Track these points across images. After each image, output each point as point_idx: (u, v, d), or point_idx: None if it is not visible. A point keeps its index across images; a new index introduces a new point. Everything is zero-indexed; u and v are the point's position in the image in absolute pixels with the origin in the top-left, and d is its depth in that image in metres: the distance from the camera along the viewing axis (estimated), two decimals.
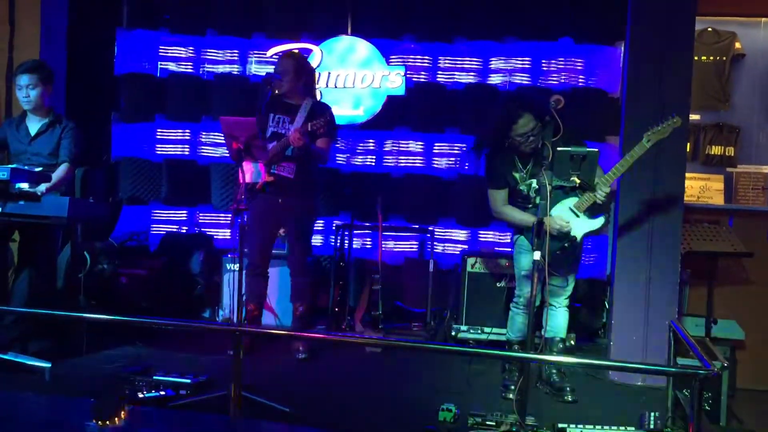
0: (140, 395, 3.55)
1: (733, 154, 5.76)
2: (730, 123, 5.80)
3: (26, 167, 4.04)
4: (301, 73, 4.59)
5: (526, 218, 3.87)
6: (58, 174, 4.29)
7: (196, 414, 3.42)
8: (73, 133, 4.41)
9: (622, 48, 5.43)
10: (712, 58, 5.78)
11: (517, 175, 3.90)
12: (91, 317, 4.16)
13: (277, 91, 4.54)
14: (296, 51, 5.00)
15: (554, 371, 4.03)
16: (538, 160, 3.78)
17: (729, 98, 5.79)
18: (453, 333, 5.06)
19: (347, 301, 5.39)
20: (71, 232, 4.50)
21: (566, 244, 3.82)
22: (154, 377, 3.75)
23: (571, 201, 3.81)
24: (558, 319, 4.03)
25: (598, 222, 3.85)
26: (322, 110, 4.55)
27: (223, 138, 3.91)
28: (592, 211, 3.83)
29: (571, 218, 3.83)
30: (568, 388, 3.91)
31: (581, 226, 3.84)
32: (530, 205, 3.88)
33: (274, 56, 6.10)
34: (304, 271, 4.68)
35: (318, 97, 4.75)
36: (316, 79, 4.98)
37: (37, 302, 4.13)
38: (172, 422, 3.33)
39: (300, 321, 4.73)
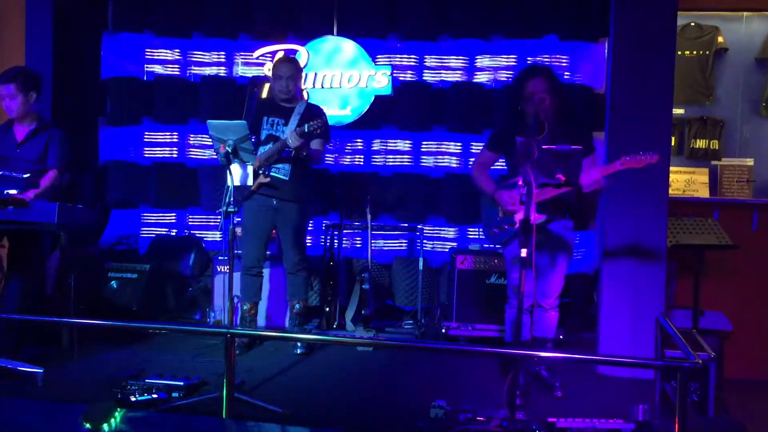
0: (132, 399, 3.56)
1: (717, 148, 5.81)
2: (714, 117, 5.85)
3: (13, 173, 4.04)
4: (299, 75, 4.71)
5: (488, 190, 3.96)
6: (45, 181, 4.29)
7: (189, 416, 3.43)
8: (60, 140, 4.41)
9: (606, 44, 5.47)
10: (695, 52, 5.84)
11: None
12: (81, 322, 4.17)
13: (280, 94, 4.63)
14: (288, 55, 5.12)
15: (544, 368, 4.03)
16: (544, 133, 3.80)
17: (712, 92, 5.85)
18: (443, 330, 5.09)
19: (337, 300, 5.41)
20: (59, 238, 4.51)
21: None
22: (147, 381, 3.75)
23: None
24: (548, 320, 4.03)
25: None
26: (317, 112, 4.63)
27: (210, 140, 3.94)
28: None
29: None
30: (558, 384, 3.93)
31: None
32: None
33: (261, 57, 6.11)
34: (299, 268, 4.75)
35: (306, 98, 4.82)
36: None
37: (28, 308, 4.13)
38: (164, 425, 3.33)
39: (297, 318, 4.79)
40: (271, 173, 4.54)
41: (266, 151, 4.51)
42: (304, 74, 5.58)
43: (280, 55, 5.84)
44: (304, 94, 5.70)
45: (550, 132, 3.81)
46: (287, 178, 4.57)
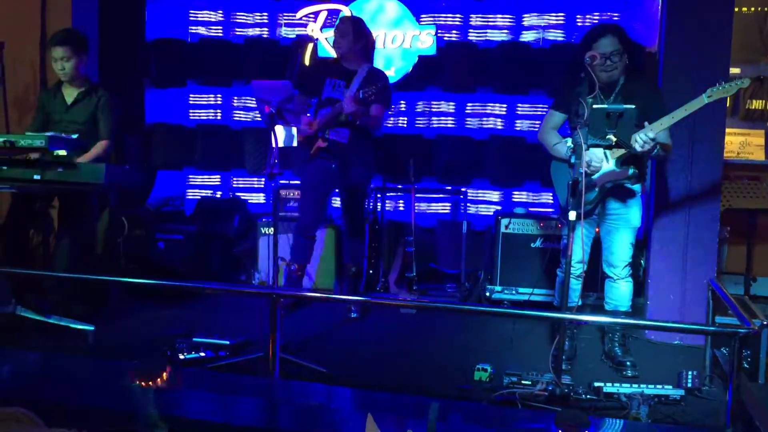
0: (181, 357, 3.63)
1: None
2: None
3: (63, 134, 4.09)
4: (360, 36, 4.52)
5: (560, 149, 3.69)
6: (96, 151, 4.33)
7: (235, 375, 3.47)
8: (110, 107, 4.44)
9: (660, 0, 5.28)
10: (753, 9, 5.60)
11: (590, 100, 3.43)
12: (131, 281, 4.24)
13: (335, 55, 4.53)
14: (354, 15, 4.99)
15: (617, 345, 3.82)
16: (614, 94, 3.67)
17: None
18: (487, 294, 5.06)
19: (381, 263, 5.41)
20: (107, 199, 4.57)
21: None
22: (194, 339, 3.82)
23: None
24: (617, 291, 3.82)
25: (624, 171, 3.59)
26: (378, 77, 4.49)
27: (254, 102, 3.92)
28: (624, 163, 3.62)
29: (600, 161, 3.60)
30: (628, 363, 3.70)
31: (605, 171, 3.62)
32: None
33: (304, 18, 6.06)
34: (359, 233, 4.75)
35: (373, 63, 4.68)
36: (374, 44, 4.80)
37: (79, 267, 4.21)
38: (212, 383, 3.39)
39: (354, 282, 4.80)
40: (330, 137, 4.48)
41: (325, 115, 4.44)
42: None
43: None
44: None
45: (618, 93, 3.68)
46: (346, 142, 4.48)
